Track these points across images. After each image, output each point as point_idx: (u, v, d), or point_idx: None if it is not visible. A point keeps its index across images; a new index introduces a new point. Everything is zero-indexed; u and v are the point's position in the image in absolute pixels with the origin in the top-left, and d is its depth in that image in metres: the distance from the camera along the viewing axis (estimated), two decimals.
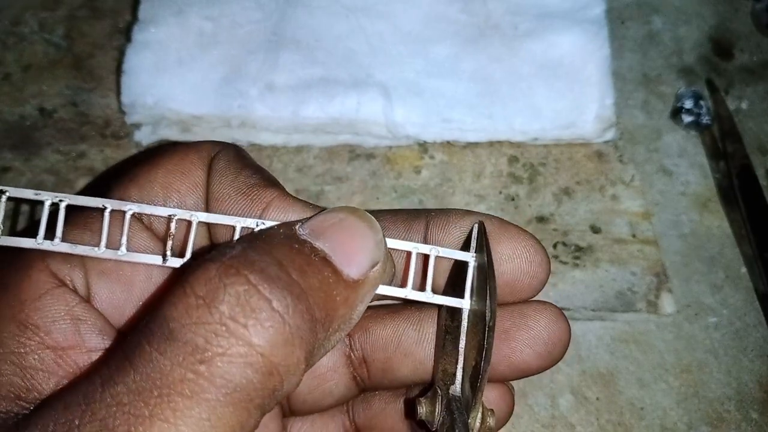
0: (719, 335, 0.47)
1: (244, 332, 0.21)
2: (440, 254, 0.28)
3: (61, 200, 0.27)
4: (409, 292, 0.28)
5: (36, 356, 0.25)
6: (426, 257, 0.29)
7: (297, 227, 0.25)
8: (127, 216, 0.27)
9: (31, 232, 0.27)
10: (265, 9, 0.53)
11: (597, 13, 0.53)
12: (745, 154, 0.51)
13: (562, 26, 0.53)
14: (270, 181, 0.29)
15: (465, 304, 0.28)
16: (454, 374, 0.29)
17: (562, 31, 0.53)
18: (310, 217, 0.26)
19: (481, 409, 0.27)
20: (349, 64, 0.52)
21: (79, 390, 0.21)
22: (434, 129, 0.51)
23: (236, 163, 0.29)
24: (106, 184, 0.28)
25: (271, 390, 0.22)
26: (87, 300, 0.27)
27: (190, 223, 0.27)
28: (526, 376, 0.31)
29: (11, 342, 0.25)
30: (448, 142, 0.52)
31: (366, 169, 0.51)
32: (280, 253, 0.23)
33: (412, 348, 0.32)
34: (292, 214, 0.28)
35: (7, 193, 0.27)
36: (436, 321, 0.32)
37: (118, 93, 0.51)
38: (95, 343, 0.26)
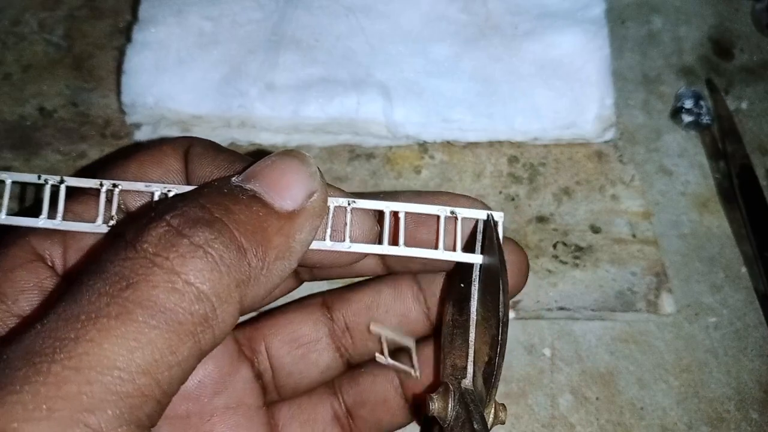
0: (719, 335, 0.47)
1: (168, 263, 0.22)
2: (411, 210, 0.29)
3: (62, 181, 0.29)
4: (385, 248, 0.29)
5: (0, 322, 0.26)
6: (398, 215, 0.29)
7: (233, 177, 0.26)
8: (116, 192, 0.29)
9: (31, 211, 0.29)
10: (265, 9, 0.53)
11: (597, 13, 0.53)
12: (745, 154, 0.51)
13: (562, 26, 0.53)
14: (249, 160, 0.30)
15: (477, 258, 0.29)
16: (465, 368, 0.29)
17: (562, 31, 0.53)
18: (247, 167, 0.27)
19: (494, 405, 0.27)
20: (349, 63, 0.52)
21: (16, 329, 0.23)
22: (434, 129, 0.51)
23: (212, 149, 0.31)
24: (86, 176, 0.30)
25: (202, 317, 0.22)
26: (62, 274, 0.29)
27: (163, 197, 0.29)
28: None
29: None
30: (448, 142, 0.52)
31: (366, 169, 0.51)
32: (204, 198, 0.24)
33: (391, 303, 0.33)
34: None
35: (9, 180, 0.29)
36: (413, 281, 0.33)
37: (118, 93, 0.51)
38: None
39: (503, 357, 0.26)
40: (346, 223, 0.29)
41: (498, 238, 0.28)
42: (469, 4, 0.54)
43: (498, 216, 0.29)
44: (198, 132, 0.51)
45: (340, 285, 0.37)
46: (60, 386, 0.20)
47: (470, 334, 0.29)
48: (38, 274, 0.28)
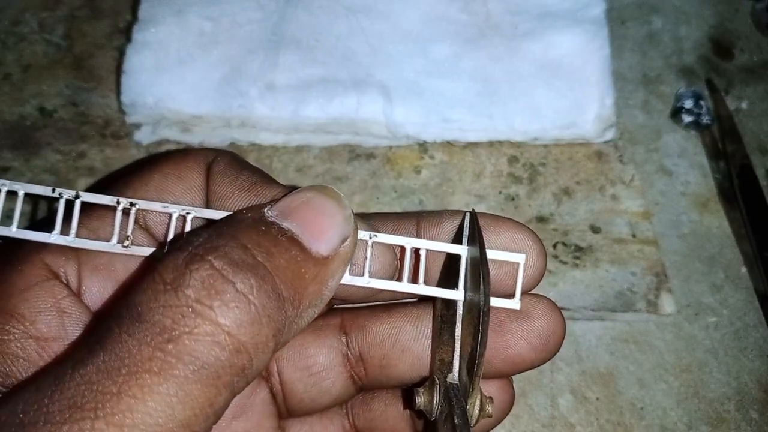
0: (719, 335, 0.47)
1: (210, 313, 0.22)
2: (432, 248, 0.29)
3: (77, 197, 0.28)
4: (404, 286, 0.29)
5: (18, 344, 0.26)
6: (419, 251, 0.29)
7: (265, 210, 0.25)
8: (132, 211, 0.28)
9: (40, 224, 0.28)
10: (265, 9, 0.53)
11: (597, 13, 0.53)
12: (745, 154, 0.51)
13: (562, 26, 0.53)
14: (271, 179, 0.29)
15: (459, 295, 0.29)
16: (451, 363, 0.29)
17: (562, 31, 0.53)
18: (279, 199, 0.26)
19: (479, 397, 0.27)
20: (349, 63, 0.52)
21: (51, 372, 0.22)
22: (434, 129, 0.51)
23: (235, 165, 0.30)
24: (104, 188, 0.29)
25: (240, 368, 0.22)
26: (77, 294, 0.28)
27: (181, 218, 0.28)
28: (523, 371, 0.31)
29: None
30: (448, 142, 0.52)
31: (366, 169, 0.51)
32: (245, 237, 0.24)
33: (410, 344, 0.32)
34: None
35: (22, 191, 0.28)
36: (432, 315, 0.32)
37: (118, 93, 0.51)
38: (78, 336, 0.27)
39: (485, 346, 0.26)
40: (366, 258, 0.28)
41: (479, 231, 0.28)
42: (469, 4, 0.54)
43: (519, 258, 0.29)
44: (198, 132, 0.51)
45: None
46: None
47: (456, 329, 0.29)
48: (55, 294, 0.27)
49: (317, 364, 0.32)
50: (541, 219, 0.49)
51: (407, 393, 0.33)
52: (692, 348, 0.46)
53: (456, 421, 0.26)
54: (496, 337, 0.30)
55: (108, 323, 0.22)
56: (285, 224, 0.25)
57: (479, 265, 0.27)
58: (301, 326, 0.25)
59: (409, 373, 0.32)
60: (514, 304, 0.29)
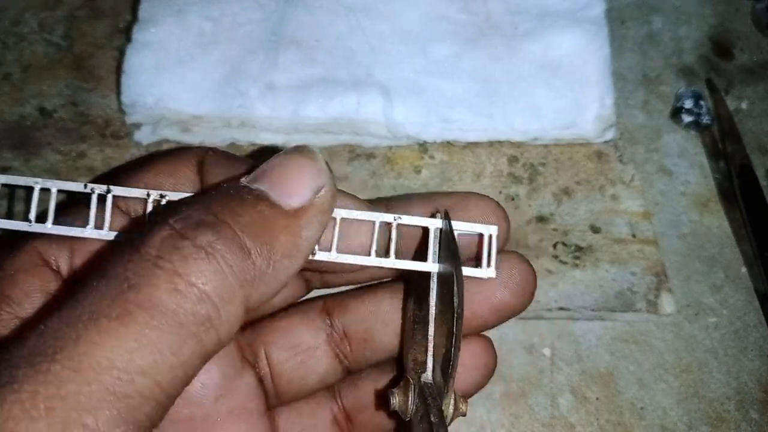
0: (719, 335, 0.47)
1: (170, 265, 0.22)
2: (402, 222, 0.29)
3: (108, 191, 0.29)
4: (373, 260, 0.29)
5: (3, 324, 0.27)
6: (390, 229, 0.29)
7: (243, 178, 0.26)
8: (109, 198, 0.29)
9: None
10: (265, 9, 0.53)
11: (597, 13, 0.53)
12: (745, 154, 0.51)
13: (562, 26, 0.53)
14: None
15: (430, 267, 0.29)
16: (425, 362, 0.29)
17: (562, 31, 0.53)
18: (257, 167, 0.27)
19: (453, 396, 0.28)
20: (349, 63, 0.52)
21: (19, 330, 0.23)
22: (434, 129, 0.51)
23: (227, 157, 0.30)
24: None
25: (205, 317, 0.22)
26: (67, 280, 0.29)
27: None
28: (507, 319, 0.32)
29: None
30: (448, 142, 0.52)
31: (366, 169, 0.51)
32: (210, 201, 0.24)
33: (391, 315, 0.33)
34: None
35: (55, 189, 0.29)
36: (408, 295, 0.33)
37: (118, 93, 0.51)
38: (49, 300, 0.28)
39: (459, 348, 0.26)
40: (334, 236, 0.29)
41: (452, 230, 0.28)
42: (469, 4, 0.54)
43: (492, 230, 0.29)
44: (198, 132, 0.51)
45: (345, 289, 0.36)
46: (59, 386, 0.20)
47: (429, 329, 0.29)
48: (42, 278, 0.28)
49: (303, 343, 0.33)
50: (541, 219, 0.49)
51: (382, 395, 0.33)
52: (692, 348, 0.46)
53: (432, 419, 0.26)
54: (479, 289, 0.31)
55: (77, 284, 0.23)
56: (255, 185, 0.25)
57: (449, 241, 0.28)
58: (280, 279, 0.25)
59: (393, 343, 0.33)
60: (491, 272, 0.29)
